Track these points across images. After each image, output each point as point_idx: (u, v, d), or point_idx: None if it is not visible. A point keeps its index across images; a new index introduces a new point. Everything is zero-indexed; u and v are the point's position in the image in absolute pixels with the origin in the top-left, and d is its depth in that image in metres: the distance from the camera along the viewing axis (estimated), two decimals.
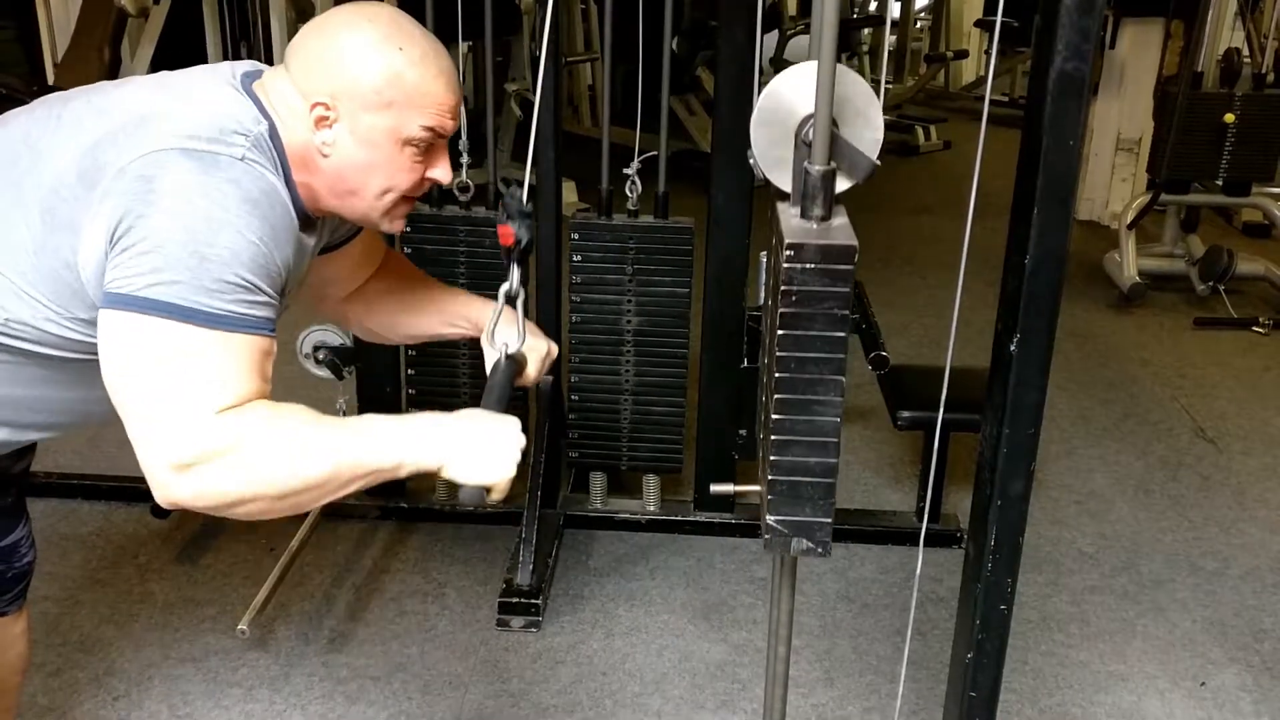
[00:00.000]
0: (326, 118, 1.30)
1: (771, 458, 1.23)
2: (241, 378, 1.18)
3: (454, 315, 1.68)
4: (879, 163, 1.22)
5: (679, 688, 2.30)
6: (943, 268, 4.85)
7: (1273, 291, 4.54)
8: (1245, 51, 4.41)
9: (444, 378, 2.79)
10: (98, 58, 3.73)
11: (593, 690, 2.29)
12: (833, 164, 1.20)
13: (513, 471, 1.27)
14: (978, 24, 9.12)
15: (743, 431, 2.74)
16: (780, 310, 1.17)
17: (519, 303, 1.51)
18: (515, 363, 1.53)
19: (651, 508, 2.88)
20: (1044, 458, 3.19)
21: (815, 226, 1.19)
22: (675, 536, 2.83)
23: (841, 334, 1.18)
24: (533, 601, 2.48)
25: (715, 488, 1.59)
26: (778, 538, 1.26)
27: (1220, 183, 4.44)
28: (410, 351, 2.76)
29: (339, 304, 1.70)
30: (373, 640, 2.42)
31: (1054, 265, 1.31)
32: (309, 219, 1.37)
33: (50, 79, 4.27)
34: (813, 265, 1.15)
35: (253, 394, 1.18)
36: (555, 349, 1.65)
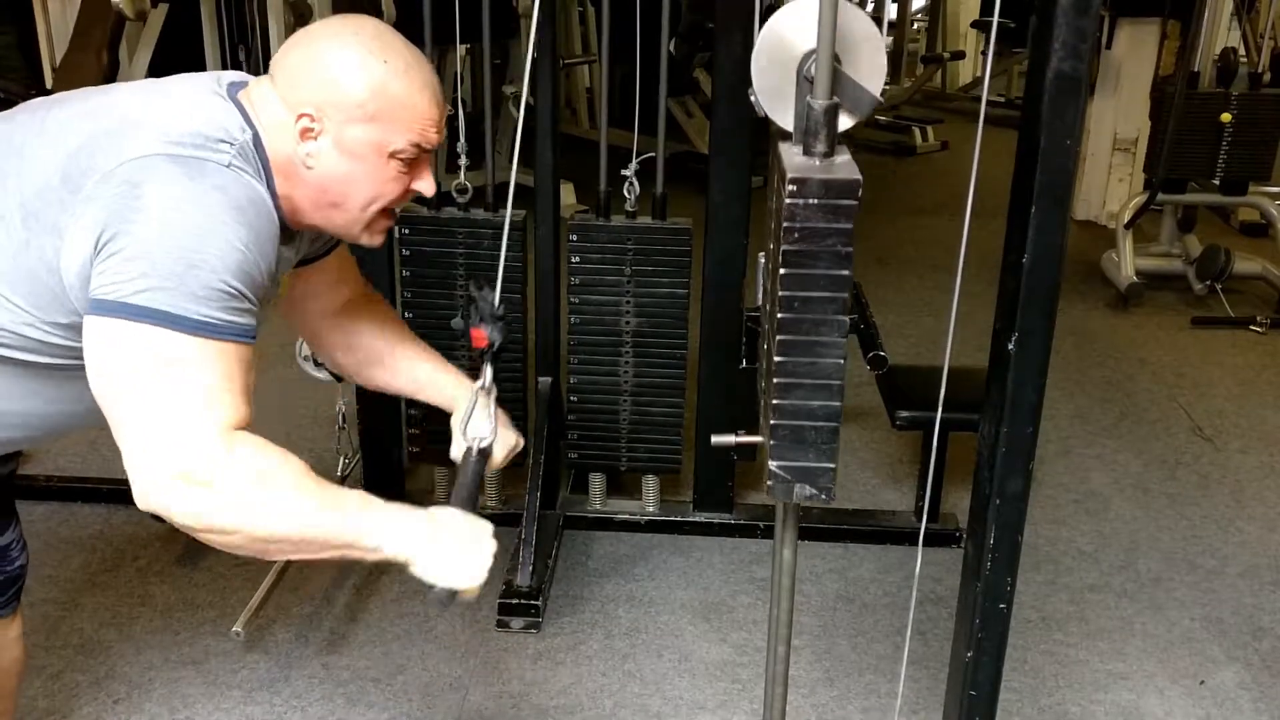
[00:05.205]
0: (311, 129, 1.30)
1: (774, 401, 1.22)
2: (232, 390, 1.19)
3: (426, 385, 1.68)
4: (881, 99, 1.20)
5: (679, 688, 2.30)
6: (940, 268, 4.86)
7: (1270, 290, 4.54)
8: (1242, 51, 4.41)
9: None
10: (95, 61, 3.73)
11: (593, 691, 2.29)
12: (835, 99, 1.18)
13: (481, 578, 1.30)
14: (974, 25, 9.12)
15: (741, 432, 2.74)
16: (783, 248, 1.16)
17: (492, 398, 1.55)
18: (484, 456, 1.56)
19: (650, 508, 2.88)
20: (1042, 457, 3.20)
21: (818, 163, 1.18)
22: (675, 537, 2.84)
23: (846, 272, 1.16)
24: (532, 602, 2.48)
25: (716, 439, 1.57)
26: (780, 484, 1.26)
27: (1217, 182, 4.44)
28: None
29: (317, 320, 1.67)
30: (372, 642, 2.42)
31: (1051, 265, 1.32)
32: (290, 231, 1.37)
33: (49, 83, 4.26)
34: (816, 201, 1.14)
35: (245, 409, 1.20)
36: (522, 441, 1.67)
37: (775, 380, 1.21)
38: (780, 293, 1.18)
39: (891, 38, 9.03)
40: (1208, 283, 4.48)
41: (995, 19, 1.58)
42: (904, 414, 2.73)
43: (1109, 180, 5.56)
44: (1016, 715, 2.24)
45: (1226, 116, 4.23)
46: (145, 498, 1.17)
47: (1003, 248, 1.36)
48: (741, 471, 2.83)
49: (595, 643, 2.44)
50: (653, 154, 2.58)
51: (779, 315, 1.18)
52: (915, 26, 9.75)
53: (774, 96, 1.24)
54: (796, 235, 1.15)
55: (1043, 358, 1.36)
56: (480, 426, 1.55)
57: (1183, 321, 4.37)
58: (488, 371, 1.53)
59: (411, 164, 1.36)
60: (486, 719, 2.21)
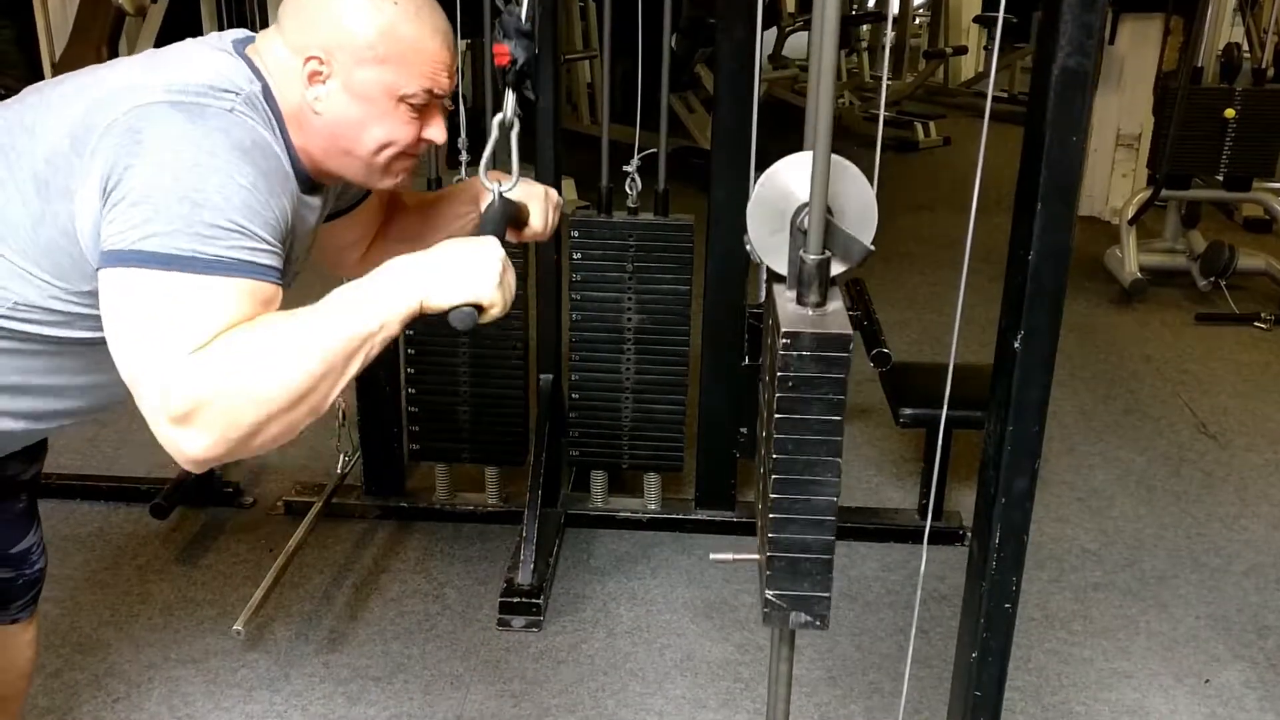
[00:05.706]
0: (320, 73, 1.28)
1: (770, 535, 1.25)
2: (229, 318, 1.13)
3: (459, 206, 1.62)
4: (873, 248, 1.23)
5: (681, 687, 2.30)
6: (943, 264, 4.84)
7: (1274, 287, 4.53)
8: (1245, 46, 4.40)
9: (445, 377, 2.77)
10: (95, 57, 3.72)
11: (594, 690, 2.28)
12: (827, 252, 1.21)
13: (494, 282, 1.22)
14: (976, 20, 9.11)
15: (743, 429, 2.73)
16: (778, 395, 1.19)
17: (514, 134, 1.42)
18: (510, 204, 1.44)
19: (653, 506, 2.87)
20: (1045, 454, 3.16)
21: (811, 313, 1.21)
22: (677, 535, 2.83)
23: (838, 418, 1.20)
24: (534, 601, 2.47)
25: (715, 555, 1.58)
26: (776, 611, 1.28)
27: (1221, 178, 4.43)
28: (410, 350, 2.75)
29: (357, 265, 1.65)
30: (373, 640, 2.41)
31: (1057, 262, 1.31)
32: (313, 183, 1.36)
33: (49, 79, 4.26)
34: (809, 353, 1.17)
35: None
36: (556, 195, 1.58)
37: (771, 515, 1.24)
38: (776, 435, 1.21)
39: (894, 32, 9.03)
40: (1212, 279, 4.47)
41: (1000, 14, 1.56)
42: (907, 411, 2.72)
43: (1112, 176, 5.56)
44: (1021, 714, 2.23)
45: (1230, 112, 4.21)
46: (179, 459, 1.11)
47: (1008, 244, 1.35)
48: (743, 469, 2.82)
49: (597, 641, 2.43)
50: (654, 149, 2.57)
51: (775, 456, 1.21)
52: (917, 21, 9.74)
53: (769, 241, 1.29)
54: (790, 384, 1.19)
55: (1049, 355, 1.35)
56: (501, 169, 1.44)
57: (1187, 318, 4.36)
58: (509, 100, 1.36)
59: (422, 110, 1.33)
60: (488, 718, 2.20)
